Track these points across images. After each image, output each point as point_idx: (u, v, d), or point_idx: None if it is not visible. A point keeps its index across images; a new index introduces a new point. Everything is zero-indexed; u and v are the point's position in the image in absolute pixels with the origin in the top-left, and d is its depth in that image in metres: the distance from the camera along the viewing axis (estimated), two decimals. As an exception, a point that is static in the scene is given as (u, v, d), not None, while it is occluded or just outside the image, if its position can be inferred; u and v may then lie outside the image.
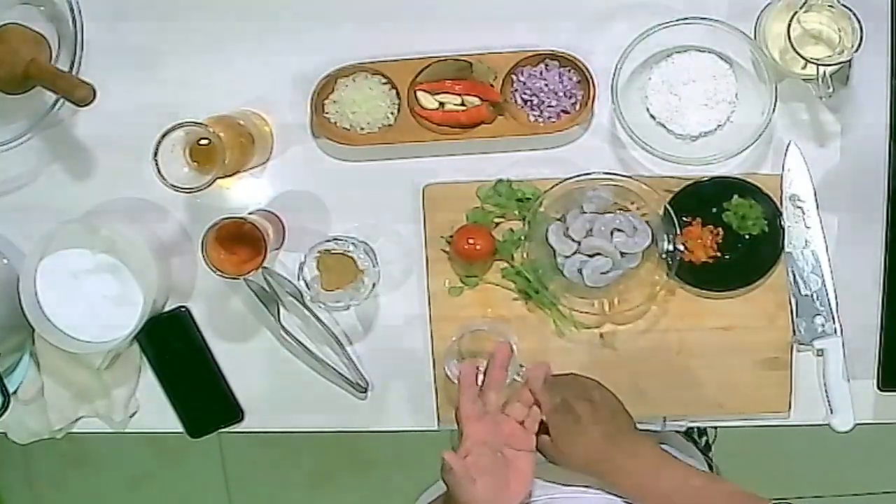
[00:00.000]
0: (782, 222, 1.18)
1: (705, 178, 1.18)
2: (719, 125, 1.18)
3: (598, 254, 1.17)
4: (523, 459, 1.01)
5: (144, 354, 1.27)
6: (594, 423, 1.02)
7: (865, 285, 1.19)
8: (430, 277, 1.22)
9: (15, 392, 1.26)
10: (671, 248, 1.15)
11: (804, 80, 1.14)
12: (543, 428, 1.04)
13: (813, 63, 1.09)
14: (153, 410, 1.28)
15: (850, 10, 1.09)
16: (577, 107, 1.18)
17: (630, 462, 1.02)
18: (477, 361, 1.18)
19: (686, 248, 1.17)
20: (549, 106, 1.18)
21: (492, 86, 1.18)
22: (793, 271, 1.20)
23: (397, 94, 1.19)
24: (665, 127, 1.19)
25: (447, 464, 0.94)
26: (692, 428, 1.37)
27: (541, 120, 1.19)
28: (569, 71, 1.18)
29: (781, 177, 1.19)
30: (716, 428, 1.39)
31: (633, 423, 1.06)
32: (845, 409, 1.19)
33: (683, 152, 1.17)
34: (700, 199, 1.18)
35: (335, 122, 1.20)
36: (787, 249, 1.19)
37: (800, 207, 1.19)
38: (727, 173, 1.18)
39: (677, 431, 1.25)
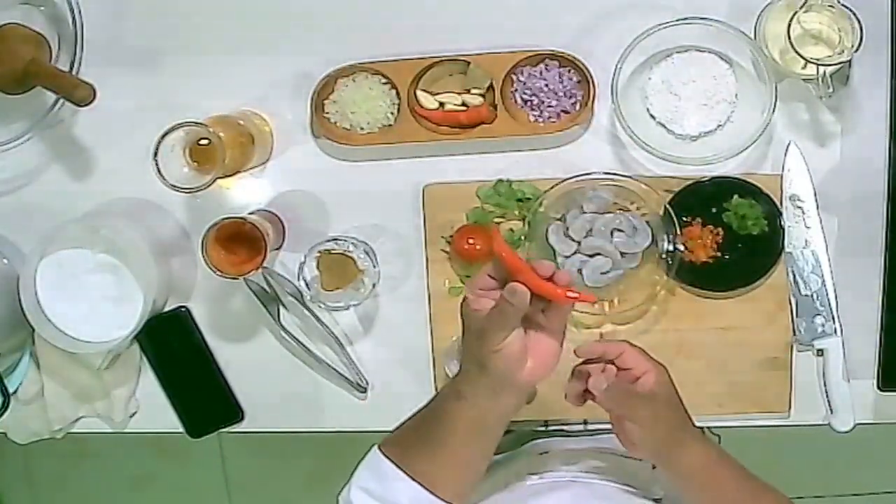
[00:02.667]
0: (782, 222, 1.18)
1: (705, 178, 1.18)
2: (719, 125, 1.18)
3: (598, 254, 1.17)
4: (547, 340, 0.92)
5: (144, 354, 1.27)
6: (639, 445, 0.97)
7: (865, 285, 1.19)
8: (430, 277, 1.22)
9: (15, 392, 1.26)
10: (671, 248, 1.15)
11: (804, 80, 1.14)
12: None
13: (813, 63, 1.09)
14: (153, 410, 1.28)
15: (850, 10, 1.09)
16: (577, 107, 1.18)
17: (680, 468, 0.99)
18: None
19: (686, 248, 1.17)
20: (549, 106, 1.18)
21: (490, 88, 1.18)
22: (793, 271, 1.20)
23: (397, 94, 1.19)
24: (665, 127, 1.19)
25: (469, 299, 0.90)
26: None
27: (541, 120, 1.19)
28: (569, 71, 1.18)
29: (781, 177, 1.19)
30: (719, 436, 1.39)
31: (683, 423, 0.99)
32: (845, 409, 1.19)
33: (683, 152, 1.17)
34: (700, 199, 1.18)
35: (335, 122, 1.20)
36: (787, 249, 1.19)
37: (800, 207, 1.19)
38: (727, 173, 1.18)
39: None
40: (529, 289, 0.87)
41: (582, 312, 1.20)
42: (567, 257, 1.18)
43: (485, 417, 0.92)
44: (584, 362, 0.99)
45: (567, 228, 1.18)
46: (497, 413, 0.93)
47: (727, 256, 1.18)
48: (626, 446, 0.97)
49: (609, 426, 1.24)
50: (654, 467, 1.14)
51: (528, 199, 1.19)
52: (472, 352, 0.91)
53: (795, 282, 1.20)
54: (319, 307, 1.23)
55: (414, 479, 0.92)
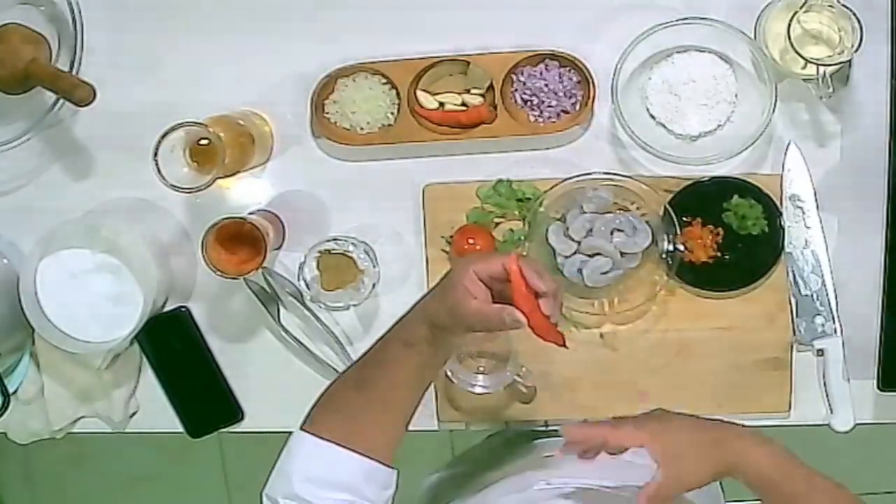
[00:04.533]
0: (782, 222, 1.18)
1: (705, 178, 1.18)
2: (719, 125, 1.18)
3: (598, 254, 1.17)
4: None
5: (144, 354, 1.27)
6: (690, 484, 0.93)
7: (865, 285, 1.19)
8: (430, 277, 1.22)
9: (15, 392, 1.26)
10: (671, 248, 1.15)
11: (804, 80, 1.14)
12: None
13: (813, 63, 1.09)
14: (153, 410, 1.28)
15: (850, 10, 1.09)
16: (577, 107, 1.18)
17: (747, 478, 0.94)
18: (478, 362, 1.19)
19: (686, 248, 1.17)
20: (549, 106, 1.18)
21: (490, 88, 1.18)
22: (793, 271, 1.20)
23: (397, 94, 1.19)
24: (665, 127, 1.19)
25: (470, 275, 0.90)
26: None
27: (541, 120, 1.19)
28: (569, 71, 1.18)
29: (781, 177, 1.19)
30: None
31: (719, 438, 0.94)
32: (845, 409, 1.19)
33: (683, 152, 1.17)
34: (700, 199, 1.18)
35: (335, 122, 1.20)
36: (787, 249, 1.19)
37: (800, 207, 1.19)
38: (727, 173, 1.18)
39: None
40: (524, 314, 0.88)
41: (582, 312, 1.20)
42: (567, 257, 1.18)
43: (432, 362, 0.95)
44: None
45: (567, 228, 1.18)
46: (440, 360, 0.96)
47: (727, 256, 1.18)
48: (682, 490, 0.93)
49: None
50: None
51: (528, 199, 1.19)
52: (439, 314, 0.91)
53: (795, 282, 1.20)
54: (319, 307, 1.23)
55: (357, 452, 0.91)
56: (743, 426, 0.96)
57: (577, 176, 1.17)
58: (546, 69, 1.18)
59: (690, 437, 0.94)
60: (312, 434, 0.93)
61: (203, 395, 1.27)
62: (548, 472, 1.11)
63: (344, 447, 0.91)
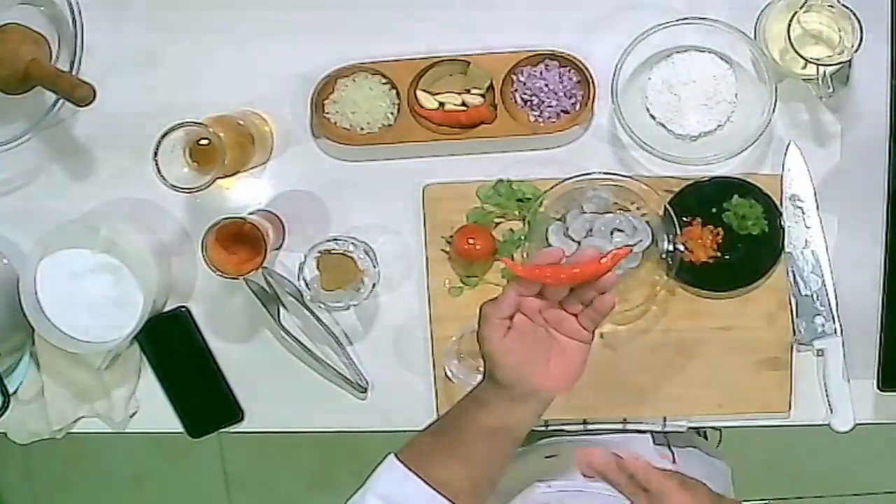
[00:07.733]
0: (782, 222, 1.18)
1: (705, 178, 1.18)
2: (719, 125, 1.18)
3: (599, 254, 1.17)
4: (574, 346, 0.94)
5: (144, 354, 1.27)
6: None
7: (865, 285, 1.19)
8: (430, 277, 1.22)
9: (15, 392, 1.26)
10: (671, 248, 1.15)
11: (804, 80, 1.14)
12: None
13: (813, 63, 1.09)
14: (153, 410, 1.28)
15: (850, 10, 1.09)
16: (577, 107, 1.18)
17: None
18: (477, 361, 1.19)
19: (686, 248, 1.17)
20: (549, 106, 1.18)
21: (490, 88, 1.18)
22: (793, 271, 1.20)
23: (397, 94, 1.19)
24: (665, 127, 1.19)
25: (483, 312, 0.93)
26: (696, 430, 1.37)
27: (541, 120, 1.19)
28: (569, 71, 1.18)
29: (781, 177, 1.19)
30: (720, 430, 1.38)
31: None
32: (845, 409, 1.19)
33: (683, 152, 1.17)
34: (700, 199, 1.18)
35: (335, 122, 1.20)
36: (787, 249, 1.19)
37: (800, 207, 1.19)
38: (727, 173, 1.18)
39: (679, 432, 1.25)
40: (564, 281, 0.92)
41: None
42: (567, 258, 1.18)
43: (504, 423, 0.94)
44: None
45: (567, 228, 1.18)
46: (516, 420, 0.94)
47: (727, 256, 1.18)
48: None
49: (609, 426, 1.24)
50: None
51: (528, 199, 1.19)
52: (487, 367, 0.94)
53: (795, 282, 1.20)
54: (319, 307, 1.23)
55: (432, 488, 0.91)
56: None
57: (577, 176, 1.17)
58: (546, 69, 1.18)
59: None
60: (397, 457, 0.95)
61: (203, 395, 1.27)
62: (549, 473, 1.11)
63: (420, 478, 0.92)
